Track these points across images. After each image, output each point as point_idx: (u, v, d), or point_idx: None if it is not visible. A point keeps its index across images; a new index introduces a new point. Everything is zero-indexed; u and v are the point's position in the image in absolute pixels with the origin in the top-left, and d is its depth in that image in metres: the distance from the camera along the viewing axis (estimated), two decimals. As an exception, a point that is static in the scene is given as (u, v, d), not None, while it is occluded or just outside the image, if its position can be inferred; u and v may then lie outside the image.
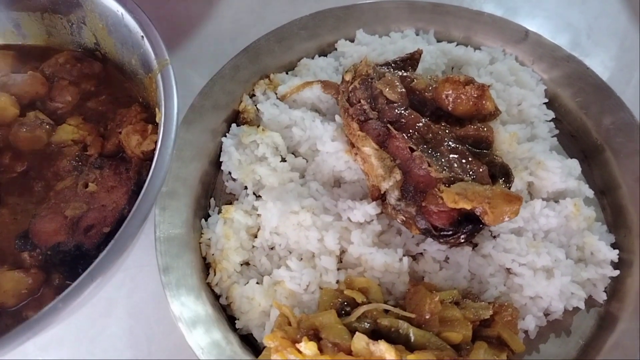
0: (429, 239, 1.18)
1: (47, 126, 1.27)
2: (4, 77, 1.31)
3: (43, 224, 1.15)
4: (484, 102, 1.23)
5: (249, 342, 1.19)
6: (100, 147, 1.26)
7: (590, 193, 1.29)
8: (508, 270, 1.19)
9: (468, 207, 1.07)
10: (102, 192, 1.18)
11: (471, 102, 1.22)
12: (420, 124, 1.18)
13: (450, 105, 1.23)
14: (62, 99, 1.31)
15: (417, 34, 1.52)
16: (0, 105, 1.25)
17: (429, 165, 1.13)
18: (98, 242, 1.11)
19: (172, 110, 1.11)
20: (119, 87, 1.36)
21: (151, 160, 1.08)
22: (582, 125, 1.41)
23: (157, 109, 1.17)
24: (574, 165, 1.29)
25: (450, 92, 1.22)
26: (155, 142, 1.13)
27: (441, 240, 1.14)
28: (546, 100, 1.41)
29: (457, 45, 1.48)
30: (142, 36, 1.20)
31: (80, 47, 1.39)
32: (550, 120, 1.40)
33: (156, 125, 1.21)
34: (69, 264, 1.12)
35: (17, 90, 1.29)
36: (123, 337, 1.25)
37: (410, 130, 1.18)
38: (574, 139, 1.43)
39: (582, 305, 1.19)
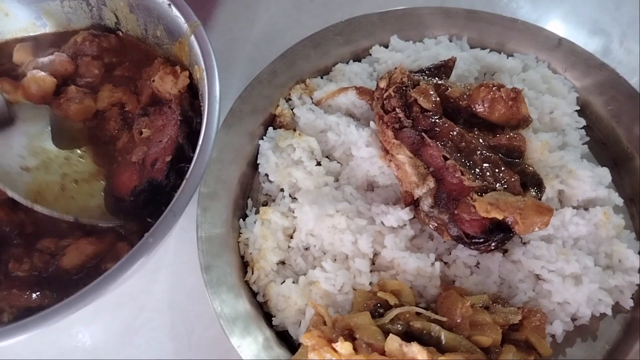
0: (461, 245, 1.22)
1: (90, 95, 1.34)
2: (32, 62, 1.36)
3: (118, 179, 1.26)
4: (518, 105, 1.26)
5: (284, 339, 1.25)
6: (137, 102, 1.34)
7: (619, 201, 1.31)
8: (537, 276, 1.22)
9: (500, 217, 1.10)
10: (156, 133, 1.26)
11: (508, 105, 1.25)
12: (454, 133, 1.22)
13: (486, 110, 1.26)
14: (90, 74, 1.37)
15: (451, 40, 1.54)
16: (39, 78, 1.30)
17: (462, 174, 1.16)
18: (166, 171, 1.18)
19: (212, 63, 1.19)
20: (138, 50, 1.44)
21: (188, 94, 1.25)
22: (613, 133, 1.42)
23: (195, 67, 1.24)
24: (605, 174, 1.31)
25: (486, 96, 1.26)
26: (190, 77, 1.26)
27: (472, 247, 1.18)
28: (578, 108, 1.43)
29: (490, 52, 1.51)
30: (169, 4, 1.26)
31: (100, 29, 1.44)
32: (581, 128, 1.42)
33: (183, 66, 1.30)
34: (151, 201, 1.20)
35: (49, 72, 1.34)
36: (165, 330, 1.31)
37: (444, 139, 1.22)
38: (604, 147, 1.44)
39: (609, 312, 1.21)
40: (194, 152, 1.12)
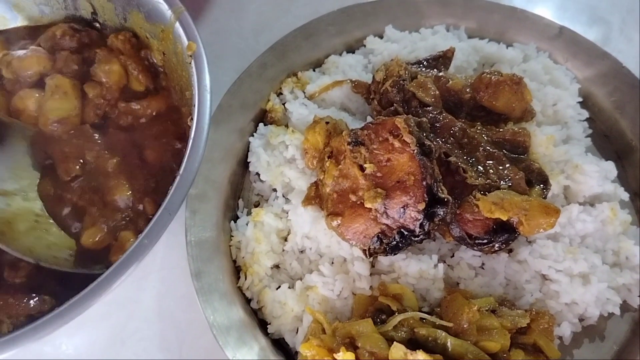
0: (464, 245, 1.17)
1: None
2: (6, 57, 1.26)
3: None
4: (522, 90, 1.22)
5: (280, 346, 1.19)
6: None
7: (625, 196, 1.27)
8: (544, 277, 1.17)
9: (504, 217, 1.05)
10: (382, 168, 1.10)
11: (513, 90, 1.21)
12: (456, 128, 1.16)
13: (491, 97, 1.21)
14: (69, 69, 1.27)
15: (448, 30, 1.48)
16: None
17: (464, 172, 1.10)
18: (421, 221, 1.05)
19: (200, 51, 1.12)
20: None
21: None
22: (616, 125, 1.38)
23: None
24: (610, 168, 1.26)
25: (489, 81, 1.21)
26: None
27: (475, 248, 1.13)
28: (580, 100, 1.38)
29: (489, 42, 1.45)
30: None
31: (75, 21, 1.35)
32: (584, 120, 1.37)
33: None
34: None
35: (25, 68, 1.25)
36: (154, 340, 1.25)
37: (445, 135, 1.16)
38: (607, 139, 1.40)
39: (617, 311, 1.17)
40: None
